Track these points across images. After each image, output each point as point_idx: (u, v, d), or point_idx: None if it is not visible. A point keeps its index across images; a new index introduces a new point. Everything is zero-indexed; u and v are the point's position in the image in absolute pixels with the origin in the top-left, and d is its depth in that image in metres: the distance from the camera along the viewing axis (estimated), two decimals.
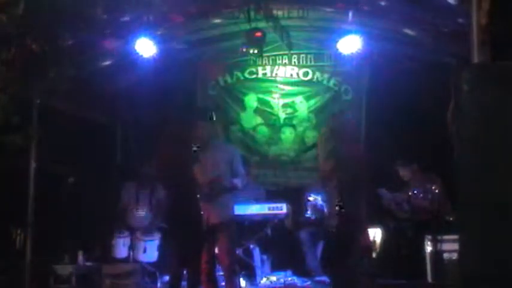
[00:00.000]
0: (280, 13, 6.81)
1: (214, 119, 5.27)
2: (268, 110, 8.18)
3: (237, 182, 5.10)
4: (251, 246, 6.76)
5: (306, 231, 6.97)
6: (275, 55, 8.09)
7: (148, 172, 6.83)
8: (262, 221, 6.73)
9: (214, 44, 7.75)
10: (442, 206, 6.29)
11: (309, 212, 6.81)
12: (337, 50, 6.85)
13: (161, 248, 6.55)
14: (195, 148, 4.83)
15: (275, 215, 6.78)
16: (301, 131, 8.12)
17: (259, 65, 8.17)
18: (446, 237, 5.73)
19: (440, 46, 6.33)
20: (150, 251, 6.55)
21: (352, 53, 6.76)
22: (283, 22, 6.85)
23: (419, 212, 6.45)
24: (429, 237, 5.90)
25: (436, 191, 6.43)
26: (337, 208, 4.68)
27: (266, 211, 6.64)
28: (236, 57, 7.95)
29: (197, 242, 5.03)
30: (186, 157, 4.92)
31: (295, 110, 8.17)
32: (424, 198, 6.48)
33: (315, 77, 8.12)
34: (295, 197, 7.26)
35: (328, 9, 6.70)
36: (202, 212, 4.94)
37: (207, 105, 7.87)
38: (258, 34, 6.51)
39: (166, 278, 6.10)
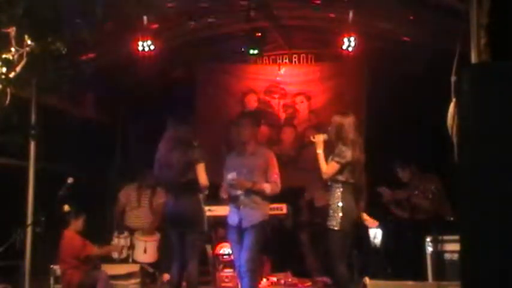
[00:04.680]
0: (280, 13, 6.81)
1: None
2: (269, 110, 8.18)
3: (266, 186, 5.07)
4: None
5: (306, 232, 6.97)
6: (275, 55, 8.09)
7: (149, 173, 6.84)
8: None
9: (214, 44, 7.75)
10: (442, 206, 6.28)
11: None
12: (337, 50, 6.85)
13: (161, 248, 6.55)
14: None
15: (275, 215, 6.78)
16: (301, 131, 8.12)
17: (259, 65, 8.17)
18: (446, 237, 5.73)
19: (440, 46, 6.32)
20: (150, 251, 6.55)
21: (352, 53, 6.76)
22: (283, 22, 6.86)
23: (419, 212, 6.45)
24: (430, 237, 5.89)
25: (436, 191, 6.43)
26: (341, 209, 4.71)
27: None
28: (236, 57, 7.95)
29: (197, 242, 5.03)
30: (186, 159, 4.93)
31: (296, 110, 8.17)
32: (423, 198, 6.47)
33: (315, 77, 8.12)
34: (295, 197, 7.26)
35: (328, 9, 6.70)
36: (205, 213, 4.98)
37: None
38: (258, 34, 6.52)
39: (166, 277, 6.11)
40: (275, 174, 5.13)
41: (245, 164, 5.09)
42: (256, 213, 5.07)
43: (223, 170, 5.22)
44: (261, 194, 5.07)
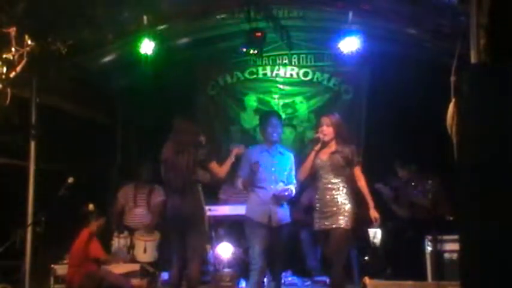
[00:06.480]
0: (280, 13, 6.81)
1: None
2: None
3: (293, 190, 5.20)
4: None
5: (306, 231, 6.96)
6: (275, 55, 8.09)
7: (146, 173, 6.84)
8: None
9: (214, 44, 7.75)
10: (442, 206, 6.29)
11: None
12: (337, 50, 6.85)
13: (161, 247, 6.55)
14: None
15: None
16: (301, 131, 8.13)
17: (259, 65, 8.17)
18: (446, 237, 5.74)
19: (440, 46, 6.33)
20: (150, 250, 6.55)
21: (352, 53, 6.76)
22: (283, 22, 6.85)
23: (418, 211, 6.45)
24: (429, 237, 5.90)
25: (435, 190, 6.42)
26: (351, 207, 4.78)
27: None
28: (236, 57, 7.95)
29: (198, 243, 5.03)
30: (197, 160, 4.95)
31: (295, 110, 8.17)
32: (423, 197, 6.47)
33: (315, 77, 8.12)
34: (294, 197, 7.25)
35: (328, 9, 6.70)
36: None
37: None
38: (258, 34, 6.51)
39: (166, 276, 6.11)
40: (293, 175, 5.25)
41: (275, 163, 5.16)
42: (285, 211, 5.18)
43: (243, 159, 5.24)
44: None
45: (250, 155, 5.22)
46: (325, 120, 4.98)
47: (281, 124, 5.39)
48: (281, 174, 5.16)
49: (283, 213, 5.16)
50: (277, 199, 5.07)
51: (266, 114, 5.77)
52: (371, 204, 4.83)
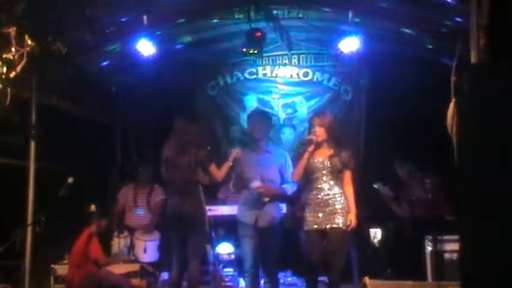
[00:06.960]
0: (280, 13, 6.82)
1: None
2: (268, 110, 8.17)
3: (288, 188, 5.16)
4: None
5: None
6: (275, 55, 8.09)
7: (146, 173, 6.84)
8: None
9: (214, 44, 7.75)
10: (442, 206, 6.29)
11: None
12: (337, 50, 6.84)
13: (162, 246, 6.55)
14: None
15: None
16: (301, 131, 8.12)
17: (259, 65, 8.17)
18: (446, 237, 5.74)
19: (440, 46, 6.33)
20: (150, 250, 6.55)
21: (352, 53, 6.76)
22: (283, 22, 6.86)
23: (418, 211, 6.44)
24: (429, 237, 5.90)
25: (435, 190, 6.42)
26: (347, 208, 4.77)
27: None
28: (236, 57, 7.95)
29: (199, 243, 5.04)
30: (197, 161, 4.96)
31: (295, 110, 8.17)
32: (422, 196, 6.47)
33: (315, 77, 8.12)
34: (294, 196, 7.25)
35: (328, 10, 6.71)
36: (207, 214, 5.06)
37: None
38: (258, 34, 6.51)
39: (166, 276, 6.11)
40: (290, 172, 5.17)
41: (260, 161, 5.13)
42: (273, 212, 5.12)
43: (235, 164, 5.21)
44: (283, 198, 5.19)
45: (241, 157, 5.22)
46: (317, 121, 4.94)
47: (267, 122, 5.34)
48: (268, 172, 5.10)
49: (272, 214, 5.12)
50: (257, 197, 5.02)
51: (251, 113, 5.77)
52: (353, 210, 4.76)
